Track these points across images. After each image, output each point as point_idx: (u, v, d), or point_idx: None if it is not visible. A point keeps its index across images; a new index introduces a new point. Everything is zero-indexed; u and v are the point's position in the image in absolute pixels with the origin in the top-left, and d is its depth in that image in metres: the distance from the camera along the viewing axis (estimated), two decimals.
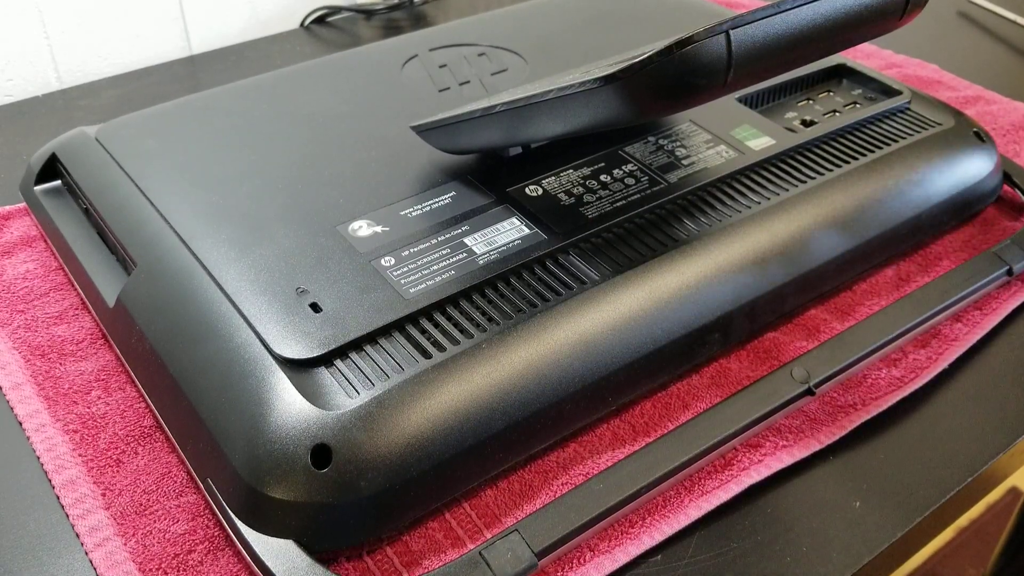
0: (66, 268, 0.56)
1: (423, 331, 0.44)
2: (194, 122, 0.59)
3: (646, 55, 0.39)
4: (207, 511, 0.43)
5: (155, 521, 0.42)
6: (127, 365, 0.49)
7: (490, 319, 0.45)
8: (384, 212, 0.50)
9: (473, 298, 0.46)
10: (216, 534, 0.42)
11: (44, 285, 0.56)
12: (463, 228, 0.49)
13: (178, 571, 0.40)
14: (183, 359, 0.44)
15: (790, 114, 0.61)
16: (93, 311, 0.53)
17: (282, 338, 0.42)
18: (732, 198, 0.53)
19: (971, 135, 0.61)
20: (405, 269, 0.46)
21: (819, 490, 0.45)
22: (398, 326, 0.44)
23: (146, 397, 0.47)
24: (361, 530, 0.40)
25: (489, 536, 0.41)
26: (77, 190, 0.57)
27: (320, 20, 0.93)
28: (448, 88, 0.63)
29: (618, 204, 0.51)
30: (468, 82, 0.63)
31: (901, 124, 0.61)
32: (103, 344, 0.52)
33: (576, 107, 0.43)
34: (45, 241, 0.59)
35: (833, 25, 0.42)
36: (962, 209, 0.60)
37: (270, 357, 0.42)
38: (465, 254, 0.48)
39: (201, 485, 0.42)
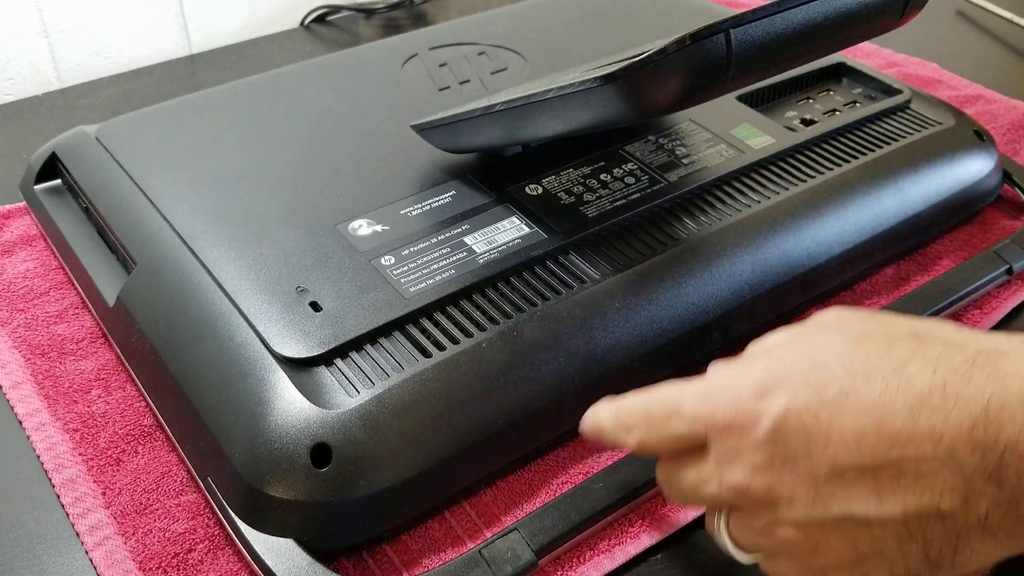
0: (66, 267, 0.56)
1: (423, 330, 0.44)
2: (194, 121, 0.59)
3: (646, 54, 0.39)
4: (207, 510, 0.43)
5: (155, 520, 0.42)
6: (127, 364, 0.49)
7: (490, 318, 0.45)
8: (384, 211, 0.50)
9: (473, 297, 0.46)
10: (216, 533, 0.42)
11: (44, 284, 0.56)
12: (463, 227, 0.49)
13: (178, 570, 0.40)
14: (183, 358, 0.44)
15: (790, 113, 0.61)
16: (93, 310, 0.53)
17: (282, 337, 0.42)
18: (732, 197, 0.53)
19: (971, 134, 0.61)
20: (405, 268, 0.46)
21: None
22: (398, 325, 0.44)
23: (146, 396, 0.47)
24: (361, 529, 0.40)
25: (489, 535, 0.41)
26: (77, 189, 0.57)
27: (320, 19, 0.93)
28: (448, 87, 0.63)
29: (618, 203, 0.51)
30: (468, 81, 0.63)
31: (901, 123, 0.61)
32: (103, 343, 0.52)
33: (576, 106, 0.43)
34: (45, 240, 0.59)
35: (833, 25, 0.42)
36: (962, 208, 0.60)
37: (270, 356, 0.42)
38: (465, 253, 0.48)
39: (201, 484, 0.43)
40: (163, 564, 0.41)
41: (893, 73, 0.78)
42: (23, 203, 0.62)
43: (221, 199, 0.51)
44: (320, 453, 0.39)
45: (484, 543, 0.40)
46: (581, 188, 0.52)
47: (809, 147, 0.57)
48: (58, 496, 0.44)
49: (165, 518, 0.43)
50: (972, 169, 0.60)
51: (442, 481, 0.42)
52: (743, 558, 0.35)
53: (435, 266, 0.47)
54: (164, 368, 0.45)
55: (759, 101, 0.62)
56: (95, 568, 0.41)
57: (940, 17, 0.91)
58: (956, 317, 0.54)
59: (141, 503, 0.43)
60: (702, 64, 0.39)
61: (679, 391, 0.35)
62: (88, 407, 0.48)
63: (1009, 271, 0.55)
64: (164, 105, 0.61)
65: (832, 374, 0.31)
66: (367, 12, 0.94)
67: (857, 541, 0.31)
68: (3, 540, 0.42)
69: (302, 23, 0.93)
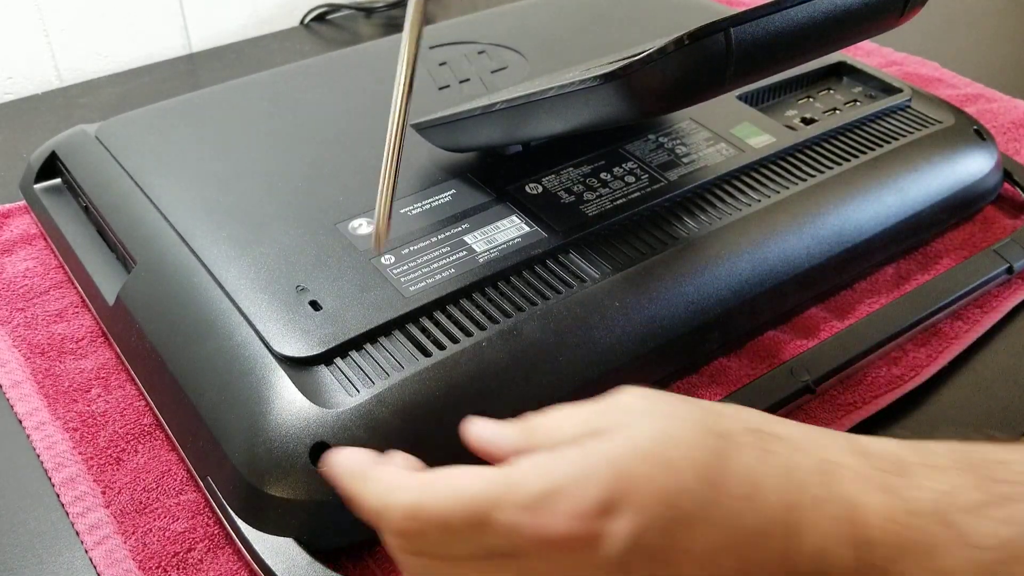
0: (66, 266, 0.56)
1: (423, 329, 0.44)
2: (194, 120, 0.59)
3: (646, 53, 0.39)
4: (207, 509, 0.43)
5: (155, 519, 0.42)
6: (127, 363, 0.49)
7: (490, 317, 0.45)
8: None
9: (473, 296, 0.45)
10: (216, 532, 0.42)
11: (44, 283, 0.56)
12: (463, 226, 0.49)
13: (178, 569, 0.40)
14: (183, 357, 0.44)
15: (790, 112, 0.61)
16: (93, 309, 0.53)
17: (282, 336, 0.42)
18: (732, 196, 0.53)
19: (971, 133, 0.61)
20: (405, 267, 0.46)
21: None
22: (398, 324, 0.44)
23: (146, 395, 0.47)
24: (361, 528, 0.40)
25: None
26: (77, 188, 0.57)
27: (320, 18, 0.93)
28: (448, 86, 0.63)
29: (618, 202, 0.51)
30: (468, 80, 0.63)
31: (901, 122, 0.60)
32: (103, 342, 0.52)
33: (576, 105, 0.43)
34: (45, 239, 0.59)
35: (833, 23, 0.42)
36: (962, 207, 0.60)
37: (270, 355, 0.42)
38: (465, 252, 0.48)
39: (201, 483, 0.42)
40: (163, 563, 0.41)
41: (893, 72, 0.78)
42: (23, 202, 0.62)
43: (221, 198, 0.51)
44: (320, 452, 0.39)
45: None
46: (581, 187, 0.52)
47: (809, 146, 0.57)
48: (58, 495, 0.44)
49: (165, 517, 0.43)
50: (972, 168, 0.60)
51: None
52: None
53: (435, 265, 0.47)
54: (164, 367, 0.45)
55: (759, 100, 0.62)
56: (95, 567, 0.41)
57: (941, 15, 0.91)
58: (956, 316, 0.54)
59: (141, 502, 0.43)
60: (702, 63, 0.39)
61: (487, 489, 0.28)
62: (88, 406, 0.48)
63: (1009, 270, 0.55)
64: (164, 104, 0.61)
65: (684, 483, 0.27)
66: (367, 11, 0.94)
67: None
68: (3, 539, 0.42)
69: (302, 22, 0.92)
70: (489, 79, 0.63)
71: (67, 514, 0.43)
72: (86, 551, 0.41)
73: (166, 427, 0.45)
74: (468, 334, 0.44)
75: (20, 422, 0.47)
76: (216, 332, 0.44)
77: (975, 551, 0.26)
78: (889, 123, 0.60)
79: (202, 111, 0.60)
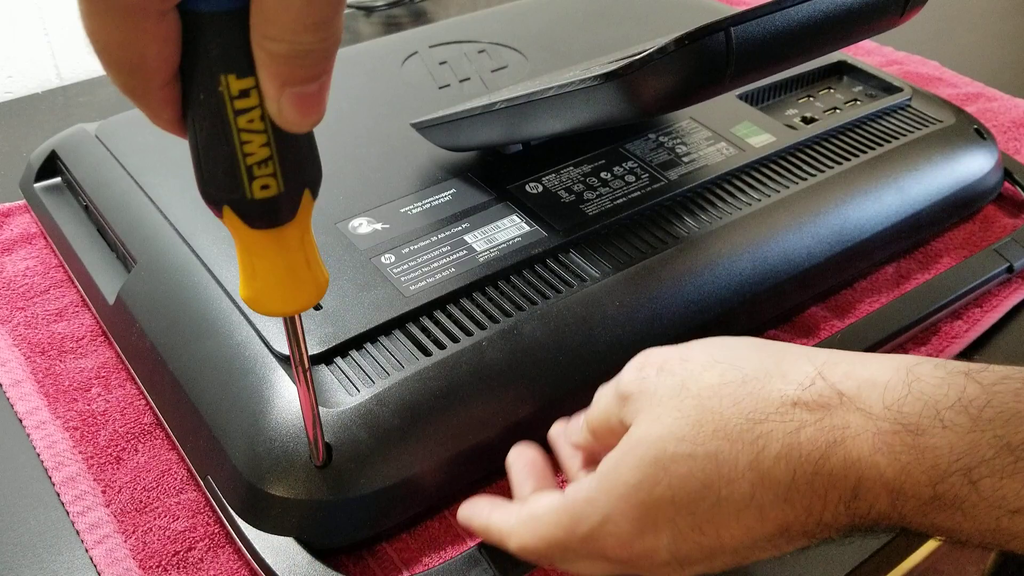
0: (66, 265, 0.56)
1: (423, 329, 0.44)
2: None
3: (646, 53, 0.39)
4: (207, 508, 0.43)
5: (155, 518, 0.42)
6: (127, 362, 0.49)
7: (490, 317, 0.45)
8: (384, 209, 0.50)
9: (473, 296, 0.45)
10: (216, 531, 0.42)
11: (44, 282, 0.56)
12: (463, 225, 0.49)
13: (178, 568, 0.40)
14: (183, 356, 0.44)
15: (791, 111, 0.61)
16: (93, 308, 0.53)
17: (282, 335, 0.42)
18: (732, 195, 0.53)
19: (972, 132, 0.61)
20: (405, 266, 0.46)
21: None
22: (398, 323, 0.44)
23: (146, 394, 0.47)
24: (361, 527, 0.40)
25: None
26: (77, 187, 0.57)
27: None
28: (448, 85, 0.63)
29: (618, 201, 0.51)
30: (468, 79, 0.63)
31: (902, 121, 0.60)
32: (103, 341, 0.52)
33: (576, 105, 0.43)
34: (45, 238, 0.59)
35: (833, 23, 0.42)
36: (962, 206, 0.60)
37: (270, 355, 0.42)
38: (465, 251, 0.48)
39: (201, 482, 0.42)
40: (163, 562, 0.41)
41: (894, 71, 0.78)
42: (23, 201, 0.62)
43: None
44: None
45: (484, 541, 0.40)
46: (581, 186, 0.52)
47: (810, 145, 0.57)
48: (58, 494, 0.44)
49: (165, 516, 0.43)
50: (973, 167, 0.60)
51: (442, 479, 0.42)
52: None
53: (435, 264, 0.47)
54: (164, 366, 0.45)
55: (760, 99, 0.62)
56: (95, 566, 0.41)
57: (942, 14, 0.91)
58: (956, 315, 0.54)
59: (141, 501, 0.43)
60: (702, 63, 0.39)
61: (555, 534, 0.34)
62: (88, 405, 0.48)
63: (1010, 269, 0.55)
64: None
65: (696, 492, 0.31)
66: (367, 9, 0.94)
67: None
68: (3, 538, 0.42)
69: None
70: (489, 78, 0.63)
71: (67, 513, 0.43)
72: (86, 550, 0.41)
73: (166, 426, 0.45)
74: (468, 334, 0.44)
75: (20, 421, 0.47)
76: (216, 331, 0.44)
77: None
78: (889, 122, 0.60)
79: None
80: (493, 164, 0.54)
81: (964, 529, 0.29)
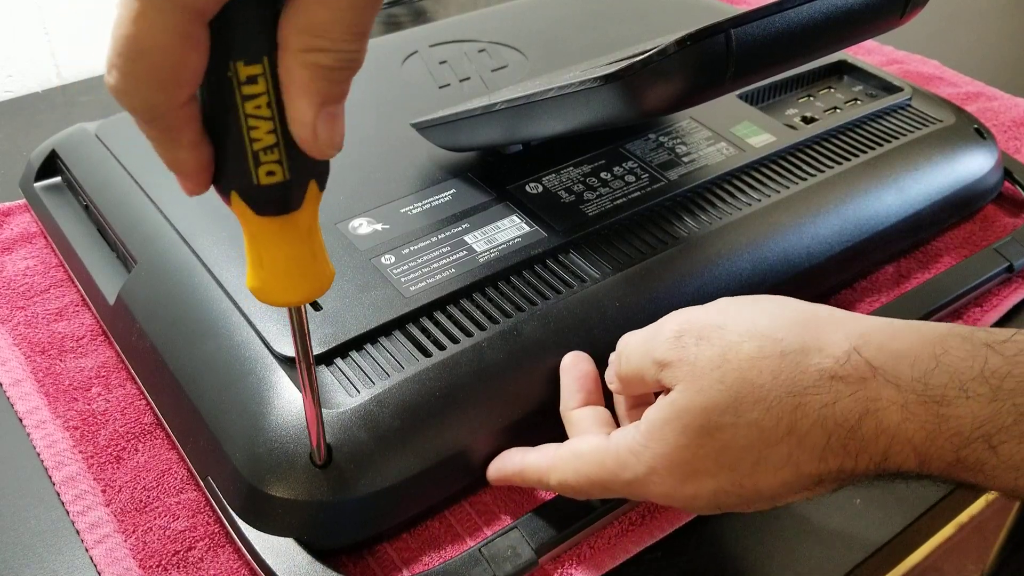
0: (66, 265, 0.56)
1: (423, 329, 0.44)
2: None
3: (646, 55, 0.39)
4: (207, 508, 0.43)
5: (155, 518, 0.42)
6: (127, 362, 0.49)
7: (490, 317, 0.45)
8: (384, 210, 0.50)
9: (473, 296, 0.45)
10: (216, 531, 0.42)
11: (44, 282, 0.56)
12: (463, 226, 0.49)
13: (178, 568, 0.41)
14: (183, 357, 0.44)
15: (791, 111, 0.61)
16: (93, 308, 0.53)
17: (282, 336, 0.42)
18: (732, 195, 0.53)
19: (972, 132, 0.61)
20: (405, 267, 0.46)
21: None
22: (398, 324, 0.44)
23: (146, 394, 0.47)
24: (361, 528, 0.40)
25: (489, 533, 0.41)
26: (77, 186, 0.57)
27: None
28: (448, 84, 0.63)
29: (618, 201, 0.51)
30: (468, 78, 0.63)
31: (902, 121, 0.60)
32: (103, 341, 0.52)
33: (576, 106, 0.43)
34: (45, 238, 0.59)
35: (833, 25, 0.42)
36: (963, 206, 0.60)
37: (270, 355, 0.42)
38: (465, 252, 0.48)
39: (201, 483, 0.43)
40: (163, 562, 0.41)
41: (894, 70, 0.78)
42: (23, 200, 0.62)
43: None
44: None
45: (484, 541, 0.40)
46: (581, 187, 0.52)
47: (810, 145, 0.57)
48: (58, 494, 0.44)
49: (165, 516, 0.43)
50: (973, 166, 0.60)
51: (442, 480, 0.42)
52: None
53: (435, 265, 0.47)
54: (164, 366, 0.45)
55: (760, 99, 0.62)
56: (95, 566, 0.41)
57: (942, 13, 0.91)
58: (957, 315, 0.54)
59: (141, 501, 0.43)
60: (702, 65, 0.39)
61: (599, 474, 0.37)
62: (88, 405, 0.48)
63: (1010, 269, 0.55)
64: None
65: (739, 454, 0.34)
66: None
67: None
68: (3, 538, 0.42)
69: None
70: (489, 77, 0.63)
71: (67, 513, 0.43)
72: (86, 549, 0.41)
73: (166, 426, 0.45)
74: (468, 334, 0.44)
75: (20, 421, 0.47)
76: (216, 332, 0.44)
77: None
78: (890, 122, 0.60)
79: None
80: (493, 164, 0.54)
81: (985, 486, 0.31)
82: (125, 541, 0.42)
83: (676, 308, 0.48)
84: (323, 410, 0.40)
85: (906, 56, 0.82)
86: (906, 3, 0.45)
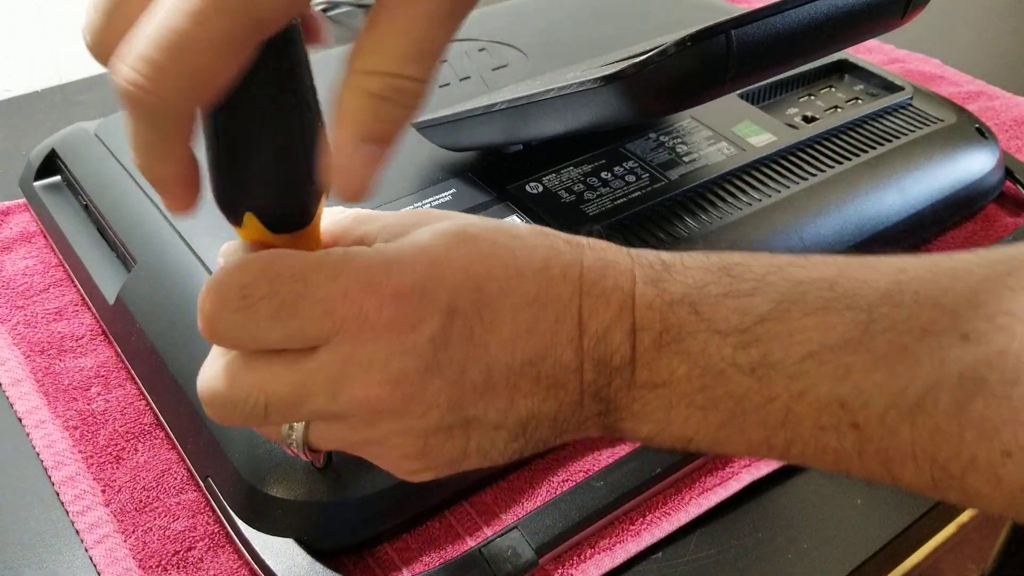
0: (66, 264, 0.56)
1: None
2: None
3: (647, 55, 0.39)
4: (207, 508, 0.43)
5: (155, 518, 0.42)
6: (127, 362, 0.49)
7: None
8: (384, 209, 0.50)
9: None
10: (216, 531, 0.42)
11: (43, 281, 0.56)
12: None
13: (178, 568, 0.41)
14: (183, 356, 0.44)
15: (792, 110, 0.61)
16: (93, 308, 0.53)
17: None
18: (733, 195, 0.53)
19: (973, 131, 0.61)
20: None
21: (820, 487, 0.45)
22: None
23: (146, 394, 0.47)
24: (361, 528, 0.40)
25: (489, 534, 0.41)
26: (77, 186, 0.57)
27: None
28: (448, 83, 0.63)
29: (619, 201, 0.51)
30: (468, 78, 0.63)
31: (903, 120, 0.60)
32: (103, 341, 0.52)
33: (577, 106, 0.43)
34: (45, 237, 0.59)
35: (834, 25, 0.42)
36: (964, 205, 0.60)
37: None
38: None
39: (201, 483, 0.42)
40: (163, 562, 0.41)
41: (895, 69, 0.78)
42: (22, 200, 0.62)
43: None
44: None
45: (484, 542, 0.40)
46: (582, 186, 0.52)
47: (811, 144, 0.57)
48: (58, 494, 0.44)
49: (165, 516, 0.43)
50: (974, 166, 0.60)
51: (442, 480, 0.41)
52: (308, 458, 0.31)
53: None
54: (164, 366, 0.45)
55: (760, 98, 0.61)
56: (95, 566, 0.41)
57: (944, 12, 0.91)
58: None
59: (141, 501, 0.43)
60: (703, 65, 0.39)
61: (304, 270, 0.28)
62: (88, 405, 0.48)
63: None
64: None
65: (492, 271, 0.30)
66: (367, 7, 0.93)
67: (471, 443, 0.30)
68: (3, 538, 0.42)
69: None
70: (489, 76, 0.63)
71: (67, 512, 0.43)
72: (86, 549, 0.41)
73: (166, 426, 0.45)
74: None
75: (20, 420, 0.47)
76: None
77: (715, 335, 0.30)
78: (891, 121, 0.60)
79: None
80: (493, 164, 0.54)
81: (682, 377, 0.30)
82: (125, 541, 0.42)
83: None
84: None
85: (907, 55, 0.82)
86: (907, 3, 0.45)
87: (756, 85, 0.61)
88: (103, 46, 0.25)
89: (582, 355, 0.31)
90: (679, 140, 0.56)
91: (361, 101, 0.25)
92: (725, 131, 0.57)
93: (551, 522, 0.40)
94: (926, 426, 0.28)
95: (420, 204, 0.51)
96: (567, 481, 0.44)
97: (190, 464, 0.43)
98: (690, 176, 0.53)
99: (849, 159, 0.56)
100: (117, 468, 0.45)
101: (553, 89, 0.43)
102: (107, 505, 0.43)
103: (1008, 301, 0.28)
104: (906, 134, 0.59)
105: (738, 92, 0.61)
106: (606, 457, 0.45)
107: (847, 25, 0.43)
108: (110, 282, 0.51)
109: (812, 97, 0.63)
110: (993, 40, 0.87)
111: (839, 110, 0.61)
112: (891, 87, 0.63)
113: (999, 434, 0.27)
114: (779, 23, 0.40)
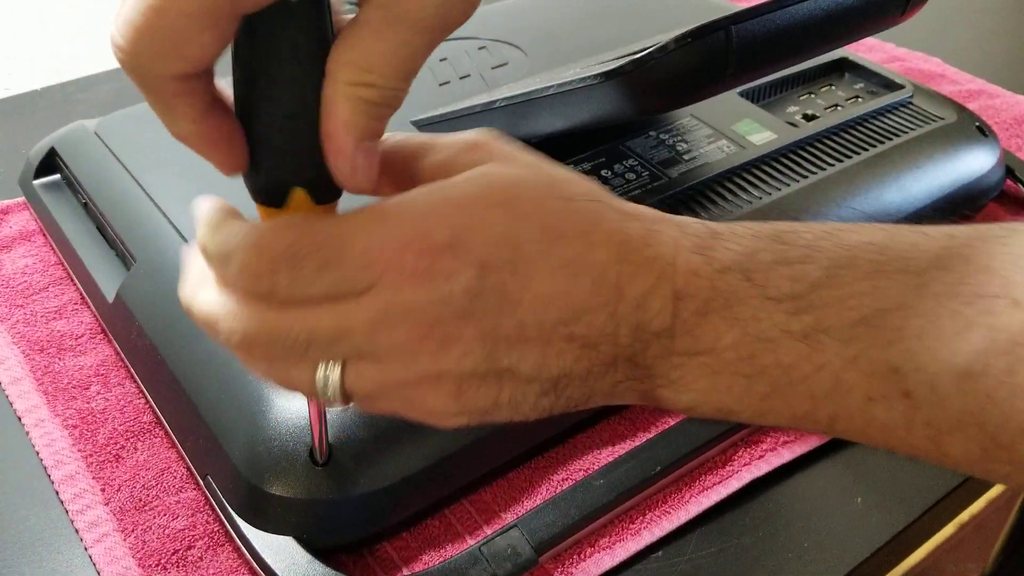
0: (65, 263, 0.56)
1: None
2: None
3: (647, 51, 0.39)
4: (207, 507, 0.43)
5: (155, 517, 0.42)
6: (126, 360, 0.49)
7: None
8: None
9: None
10: (216, 530, 0.42)
11: (43, 280, 0.56)
12: None
13: (178, 567, 0.40)
14: (183, 355, 0.44)
15: (792, 108, 0.61)
16: (92, 306, 0.53)
17: None
18: (733, 193, 0.53)
19: (974, 129, 0.61)
20: None
21: (820, 486, 0.45)
22: None
23: (145, 393, 0.47)
24: (361, 526, 0.40)
25: (489, 532, 0.41)
26: (76, 184, 0.56)
27: None
28: (448, 82, 0.62)
29: None
30: (469, 76, 0.63)
31: (903, 118, 0.60)
32: (102, 339, 0.52)
33: (577, 103, 0.43)
34: (44, 235, 0.59)
35: (834, 22, 0.42)
36: (964, 204, 0.60)
37: None
38: None
39: (201, 481, 0.42)
40: (163, 561, 0.41)
41: (896, 68, 0.78)
42: (22, 198, 0.62)
43: (221, 195, 0.51)
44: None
45: (484, 540, 0.40)
46: None
47: (811, 143, 0.57)
48: (57, 493, 0.44)
49: (165, 515, 0.42)
50: (974, 164, 0.59)
51: (442, 478, 0.42)
52: (339, 404, 0.31)
53: None
54: (163, 365, 0.45)
55: (761, 96, 0.61)
56: (94, 565, 0.41)
57: (944, 10, 0.91)
58: None
59: (141, 500, 0.43)
60: (702, 61, 0.39)
61: (344, 227, 0.29)
62: (87, 403, 0.48)
63: None
64: None
65: (528, 231, 0.30)
66: None
67: (503, 393, 0.31)
68: (2, 537, 0.42)
69: None
70: (489, 75, 0.63)
71: (66, 511, 0.43)
72: (85, 548, 0.41)
73: (166, 425, 0.45)
74: None
75: (19, 419, 0.47)
76: None
77: (768, 302, 0.30)
78: (891, 119, 0.60)
79: None
80: None
81: (728, 345, 0.30)
82: (124, 540, 0.42)
83: None
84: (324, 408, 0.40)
85: (907, 53, 0.82)
86: (907, 1, 0.45)
87: (756, 83, 0.61)
88: None
89: (617, 319, 0.30)
90: (679, 138, 0.56)
91: (359, 107, 0.27)
92: (725, 129, 0.57)
93: (551, 521, 0.40)
94: (976, 393, 0.28)
95: None
96: (567, 480, 0.44)
97: (189, 462, 0.43)
98: (690, 174, 0.53)
99: (849, 157, 0.56)
100: (116, 467, 0.45)
101: (553, 86, 0.43)
102: (106, 504, 0.43)
103: None
104: (906, 132, 0.59)
105: (738, 90, 0.61)
106: (606, 455, 0.45)
107: (847, 21, 0.43)
108: (109, 280, 0.51)
109: (812, 95, 0.63)
110: (993, 39, 0.87)
111: (839, 108, 0.61)
112: (891, 85, 0.63)
113: None
114: (779, 19, 0.40)
